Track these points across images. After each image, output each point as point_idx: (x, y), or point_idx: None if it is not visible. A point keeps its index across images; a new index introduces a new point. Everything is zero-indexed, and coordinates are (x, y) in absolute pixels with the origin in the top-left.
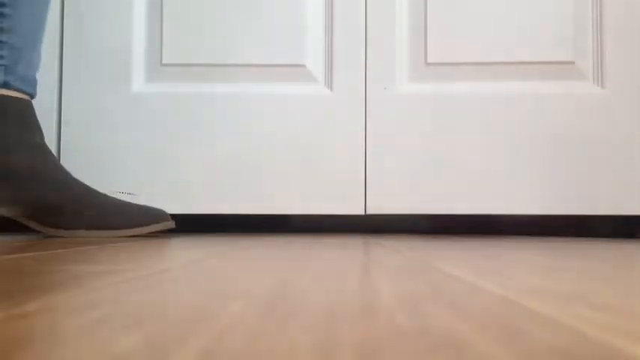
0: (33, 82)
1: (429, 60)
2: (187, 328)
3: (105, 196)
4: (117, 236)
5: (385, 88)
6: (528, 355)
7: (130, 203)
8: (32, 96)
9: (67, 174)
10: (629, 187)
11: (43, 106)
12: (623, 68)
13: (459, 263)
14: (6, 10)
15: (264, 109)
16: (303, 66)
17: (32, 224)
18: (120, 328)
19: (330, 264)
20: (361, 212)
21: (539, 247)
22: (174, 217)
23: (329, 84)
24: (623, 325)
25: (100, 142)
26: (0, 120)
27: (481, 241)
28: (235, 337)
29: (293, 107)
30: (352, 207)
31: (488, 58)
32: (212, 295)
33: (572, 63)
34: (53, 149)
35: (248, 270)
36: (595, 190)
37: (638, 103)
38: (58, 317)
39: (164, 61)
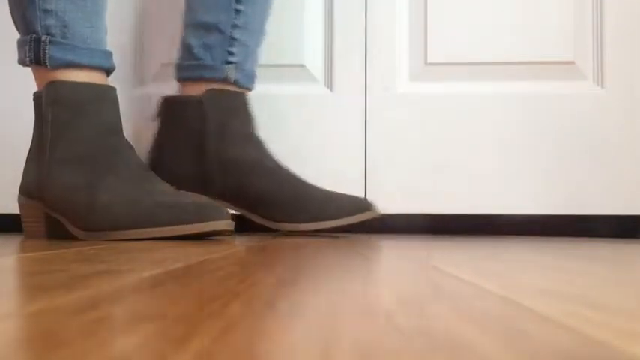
0: (254, 77)
1: (429, 60)
2: (187, 328)
3: (314, 187)
4: (332, 227)
5: (385, 88)
6: (528, 356)
7: (337, 193)
8: (251, 89)
9: (280, 165)
10: (629, 187)
11: None
12: (623, 68)
13: (459, 263)
14: (241, 7)
15: None
16: (303, 66)
17: (255, 218)
18: (120, 328)
19: (331, 264)
20: None
21: (540, 247)
22: None
23: (329, 84)
24: (623, 325)
25: None
26: (232, 116)
27: (481, 241)
28: (235, 337)
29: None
30: None
31: (488, 58)
32: (212, 295)
33: (572, 63)
34: None
35: (249, 269)
36: (595, 190)
37: (638, 103)
38: (58, 317)
39: None
